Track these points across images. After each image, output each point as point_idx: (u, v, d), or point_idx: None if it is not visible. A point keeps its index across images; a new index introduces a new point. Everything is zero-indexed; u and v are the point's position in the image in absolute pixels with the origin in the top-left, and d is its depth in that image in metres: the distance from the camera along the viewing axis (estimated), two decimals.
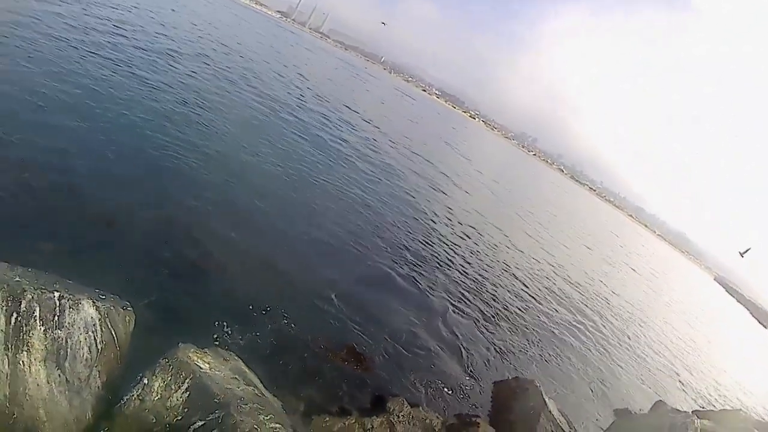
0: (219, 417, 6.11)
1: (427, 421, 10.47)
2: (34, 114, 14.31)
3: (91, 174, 12.82)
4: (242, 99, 30.45)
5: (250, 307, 11.06)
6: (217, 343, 9.16)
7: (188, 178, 15.53)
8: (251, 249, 13.49)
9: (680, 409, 17.16)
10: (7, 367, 5.77)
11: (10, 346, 5.77)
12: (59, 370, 6.07)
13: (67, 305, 6.11)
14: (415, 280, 17.67)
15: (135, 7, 40.69)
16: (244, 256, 12.98)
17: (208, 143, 19.27)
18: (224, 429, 5.98)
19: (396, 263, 18.18)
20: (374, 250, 18.25)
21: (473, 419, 11.24)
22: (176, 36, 38.70)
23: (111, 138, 15.29)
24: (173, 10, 55.20)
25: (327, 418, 9.35)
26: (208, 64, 35.27)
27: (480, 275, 22.36)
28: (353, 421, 9.56)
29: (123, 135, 15.98)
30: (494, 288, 21.77)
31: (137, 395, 6.37)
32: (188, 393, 6.37)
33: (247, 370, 7.63)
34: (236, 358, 7.71)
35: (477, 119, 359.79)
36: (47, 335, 5.96)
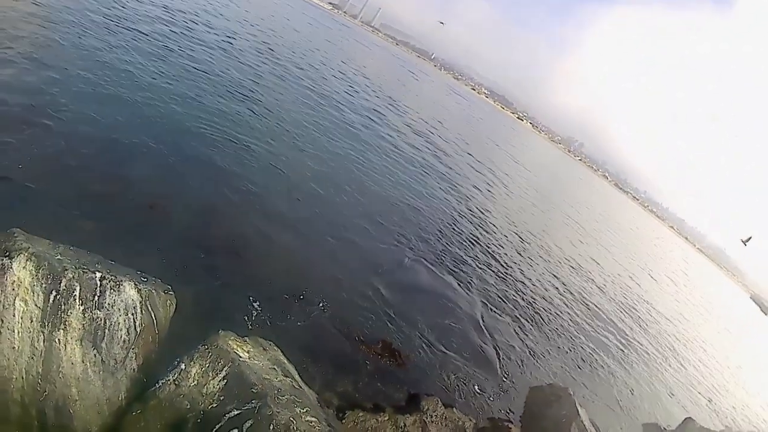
0: (255, 407, 5.95)
1: (460, 422, 10.23)
2: (83, 96, 14.44)
3: (137, 157, 12.86)
4: (295, 91, 30.05)
5: (290, 297, 10.91)
6: (256, 331, 8.99)
7: (234, 166, 15.37)
8: (293, 240, 13.32)
9: (708, 428, 16.65)
10: (42, 344, 5.75)
11: (47, 323, 5.75)
12: (95, 350, 6.00)
13: (108, 286, 6.03)
14: (456, 279, 17.25)
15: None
16: (286, 246, 12.83)
17: (256, 133, 19.05)
18: (260, 419, 5.82)
19: (437, 261, 17.79)
20: (416, 246, 17.87)
21: (506, 424, 10.99)
22: (229, 27, 38.55)
23: (158, 123, 15.35)
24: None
25: (360, 414, 9.19)
26: (261, 53, 35.10)
27: (520, 279, 21.78)
28: (386, 418, 9.39)
29: (170, 121, 15.97)
30: (533, 293, 21.16)
31: (173, 380, 6.26)
32: (225, 381, 6.23)
33: (285, 360, 7.48)
34: (275, 348, 7.56)
35: (525, 121, 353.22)
36: (86, 315, 5.91)
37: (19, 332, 5.68)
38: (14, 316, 5.66)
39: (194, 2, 40.06)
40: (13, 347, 5.67)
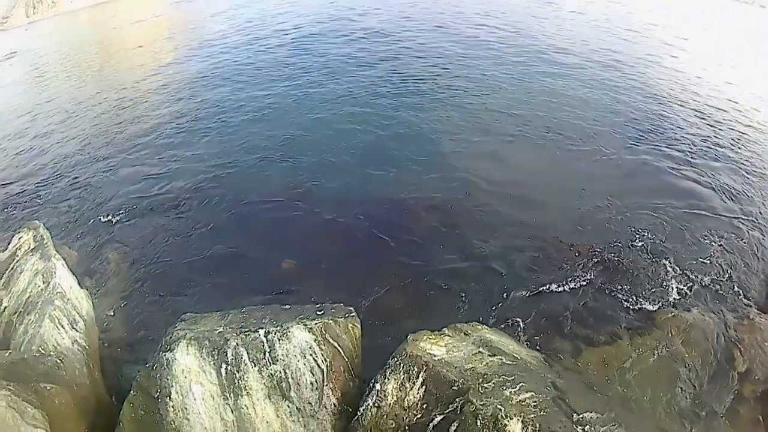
0: (457, 407, 5.44)
1: (705, 321, 8.84)
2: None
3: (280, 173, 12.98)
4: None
5: (483, 270, 10.03)
6: (455, 318, 8.33)
7: (409, 169, 13.25)
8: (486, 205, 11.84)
9: None
10: (231, 414, 5.79)
11: (228, 394, 5.78)
12: (287, 402, 5.89)
13: (276, 338, 5.91)
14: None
15: None
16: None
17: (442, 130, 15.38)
18: (464, 419, 5.30)
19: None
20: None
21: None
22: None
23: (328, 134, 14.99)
24: None
25: (595, 350, 8.33)
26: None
27: None
28: (627, 344, 8.43)
29: (328, 127, 15.44)
30: None
31: (373, 403, 5.90)
32: (424, 388, 5.73)
33: (492, 337, 6.82)
34: (479, 327, 6.93)
35: None
36: (263, 373, 5.83)
37: (205, 412, 5.77)
38: (195, 399, 5.76)
39: None
40: (206, 428, 5.78)
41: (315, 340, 6.02)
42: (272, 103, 16.92)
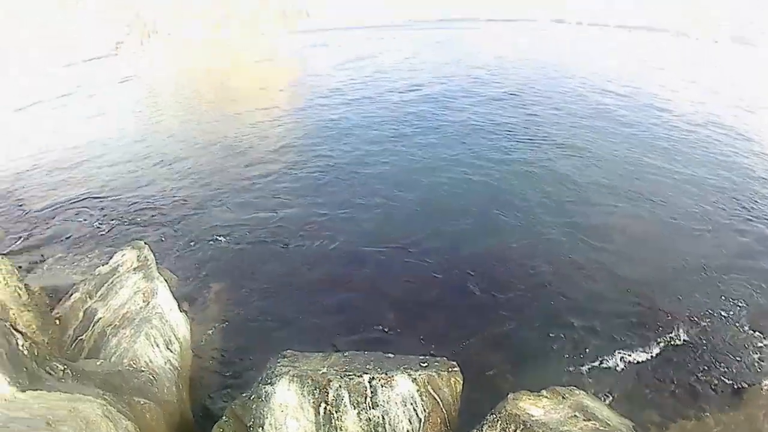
0: None
1: None
2: None
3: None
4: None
5: (583, 332, 9.84)
6: (555, 381, 8.23)
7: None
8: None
9: None
10: None
11: None
12: None
13: (379, 384, 5.91)
14: None
15: None
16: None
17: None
18: None
19: None
20: None
21: None
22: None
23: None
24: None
25: (686, 423, 8.07)
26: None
27: None
28: (712, 421, 8.14)
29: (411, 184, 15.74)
30: None
31: None
32: None
33: (588, 402, 6.66)
34: (577, 392, 6.79)
35: None
36: (361, 416, 5.82)
37: None
38: None
39: None
40: None
41: (417, 391, 5.99)
42: (387, 158, 17.29)
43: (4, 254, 8.17)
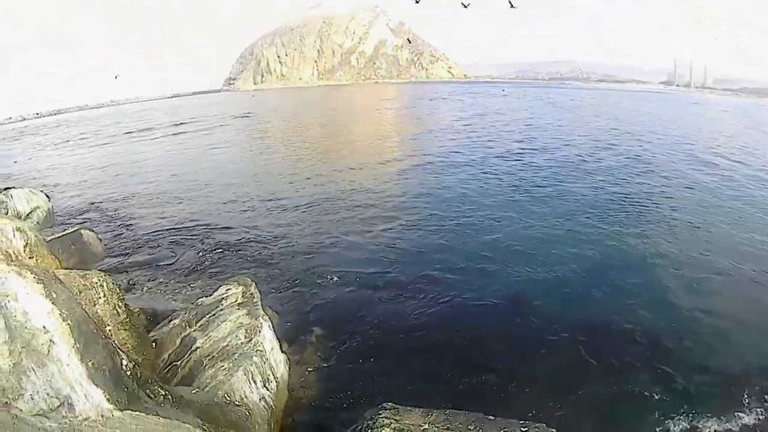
0: None
1: None
2: None
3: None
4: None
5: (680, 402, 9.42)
6: None
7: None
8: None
9: None
10: None
11: None
12: None
13: None
14: None
15: None
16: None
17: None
18: None
19: None
20: None
21: None
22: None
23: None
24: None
25: None
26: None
27: None
28: None
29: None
30: None
31: None
32: None
33: None
34: None
35: None
36: None
37: None
38: None
39: None
40: None
41: None
42: (499, 218, 17.58)
43: (104, 271, 8.49)
